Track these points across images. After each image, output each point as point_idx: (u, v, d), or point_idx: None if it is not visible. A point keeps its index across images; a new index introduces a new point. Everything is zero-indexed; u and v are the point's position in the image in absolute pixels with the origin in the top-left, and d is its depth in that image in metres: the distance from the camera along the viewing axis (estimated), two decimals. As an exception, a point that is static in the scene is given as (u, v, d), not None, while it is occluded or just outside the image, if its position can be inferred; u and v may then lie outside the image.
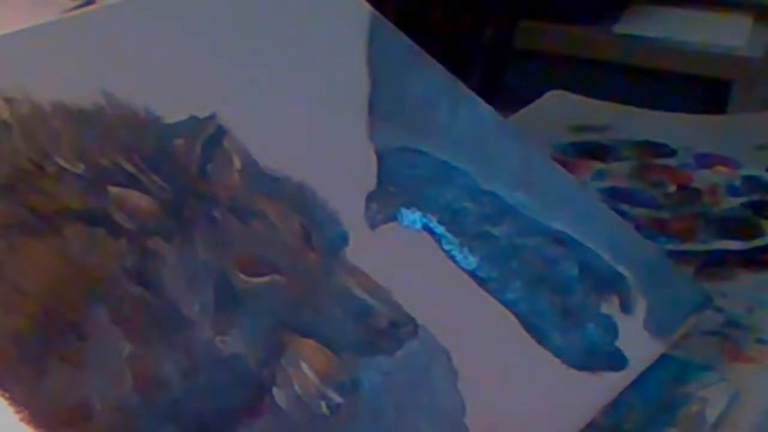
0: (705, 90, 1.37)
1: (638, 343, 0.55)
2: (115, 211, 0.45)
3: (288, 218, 0.49)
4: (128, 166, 0.46)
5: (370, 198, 0.53)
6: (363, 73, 0.57)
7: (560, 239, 0.57)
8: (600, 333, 0.55)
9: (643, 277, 0.58)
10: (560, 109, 0.93)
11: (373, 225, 0.52)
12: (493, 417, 0.48)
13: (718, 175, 0.79)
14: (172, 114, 0.49)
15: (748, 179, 0.78)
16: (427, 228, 0.53)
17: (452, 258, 0.53)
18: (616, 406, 0.53)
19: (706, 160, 0.81)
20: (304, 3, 0.59)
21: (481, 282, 0.53)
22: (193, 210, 0.47)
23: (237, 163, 0.49)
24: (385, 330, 0.48)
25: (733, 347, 0.60)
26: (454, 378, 0.48)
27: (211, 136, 0.50)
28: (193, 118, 0.50)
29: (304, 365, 0.45)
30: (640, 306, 0.57)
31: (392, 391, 0.46)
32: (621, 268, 0.58)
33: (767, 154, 0.83)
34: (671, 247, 0.69)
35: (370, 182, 0.53)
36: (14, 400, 0.39)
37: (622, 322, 0.55)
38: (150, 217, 0.45)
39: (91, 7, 0.55)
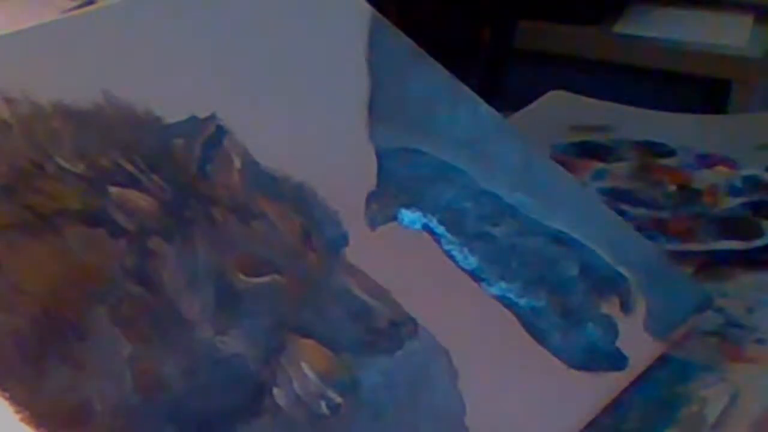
0: (705, 90, 1.37)
1: (638, 343, 0.55)
2: (115, 211, 0.45)
3: (288, 218, 0.49)
4: (128, 166, 0.46)
5: (370, 198, 0.53)
6: (363, 73, 0.57)
7: (560, 239, 0.57)
8: (600, 333, 0.55)
9: (643, 277, 0.58)
10: (560, 109, 0.93)
11: (373, 225, 0.52)
12: (493, 417, 0.48)
13: (718, 175, 0.79)
14: (172, 114, 0.49)
15: (748, 179, 0.78)
16: (427, 228, 0.53)
17: (452, 258, 0.53)
18: (616, 406, 0.53)
19: (706, 160, 0.81)
20: (304, 3, 0.59)
21: (481, 282, 0.53)
22: (193, 210, 0.47)
23: (237, 163, 0.49)
24: (385, 330, 0.48)
25: (733, 347, 0.60)
26: (454, 378, 0.48)
27: (211, 136, 0.50)
28: (193, 118, 0.50)
29: (304, 365, 0.45)
30: (640, 306, 0.57)
31: (392, 391, 0.46)
32: (621, 268, 0.58)
33: (767, 154, 0.83)
34: (671, 247, 0.69)
35: (370, 182, 0.53)
36: (14, 400, 0.39)
37: (622, 322, 0.55)
38: (150, 217, 0.45)
39: (91, 7, 0.55)
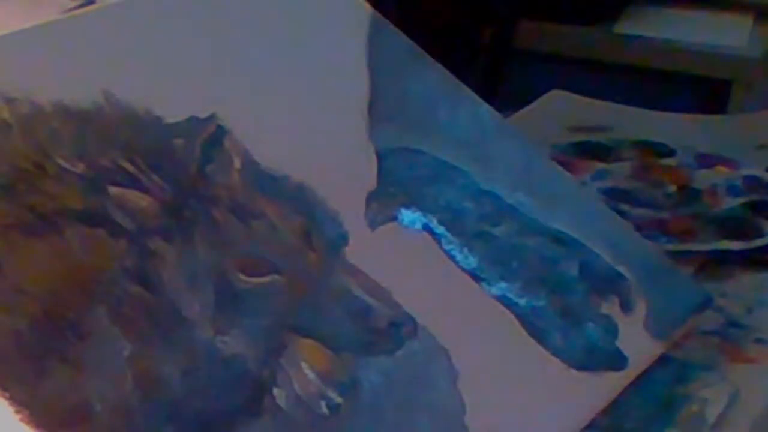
0: (705, 90, 1.37)
1: (638, 343, 0.55)
2: (115, 211, 0.45)
3: (288, 218, 0.49)
4: (128, 166, 0.46)
5: (370, 198, 0.53)
6: (363, 73, 0.57)
7: (560, 239, 0.57)
8: (600, 333, 0.55)
9: (643, 277, 0.58)
10: (560, 109, 0.93)
11: (373, 225, 0.52)
12: (493, 417, 0.48)
13: (718, 175, 0.79)
14: (172, 114, 0.49)
15: (748, 179, 0.78)
16: (427, 228, 0.53)
17: (452, 258, 0.53)
18: (616, 406, 0.53)
19: (706, 160, 0.81)
20: (304, 3, 0.59)
21: (481, 282, 0.53)
22: (193, 210, 0.47)
23: (237, 163, 0.49)
24: (385, 330, 0.48)
25: (733, 347, 0.60)
26: (454, 378, 0.48)
27: (211, 136, 0.50)
28: (193, 118, 0.50)
29: (304, 365, 0.45)
30: (640, 306, 0.57)
31: (392, 391, 0.46)
32: (621, 268, 0.58)
33: (767, 154, 0.83)
34: (671, 247, 0.69)
35: (370, 182, 0.53)
36: (14, 400, 0.39)
37: (622, 322, 0.55)
38: (150, 217, 0.45)
39: (91, 7, 0.55)
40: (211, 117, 0.50)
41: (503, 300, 0.53)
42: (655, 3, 1.45)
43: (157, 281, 0.44)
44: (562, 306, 0.54)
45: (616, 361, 0.54)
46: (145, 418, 0.41)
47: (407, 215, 0.53)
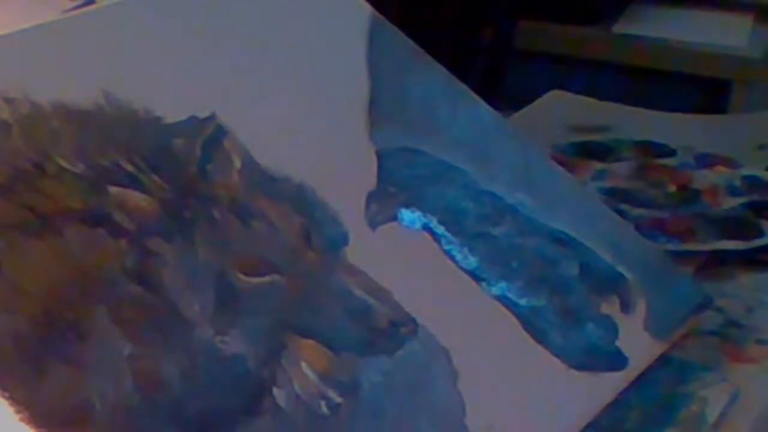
0: (705, 90, 1.37)
1: (638, 343, 0.55)
2: (115, 211, 0.45)
3: (288, 218, 0.49)
4: (128, 166, 0.46)
5: (370, 198, 0.53)
6: (363, 73, 0.57)
7: (560, 239, 0.57)
8: (600, 333, 0.55)
9: (643, 277, 0.58)
10: (560, 109, 0.93)
11: (373, 225, 0.52)
12: (493, 417, 0.48)
13: (718, 175, 0.79)
14: (172, 114, 0.49)
15: (748, 179, 0.78)
16: (427, 228, 0.53)
17: (452, 258, 0.53)
18: (616, 406, 0.53)
19: (706, 160, 0.81)
20: (304, 3, 0.59)
21: (481, 282, 0.53)
22: (193, 210, 0.47)
23: (237, 163, 0.49)
24: (385, 330, 0.48)
25: (733, 347, 0.60)
26: (454, 378, 0.48)
27: (211, 136, 0.50)
28: (193, 118, 0.50)
29: (304, 365, 0.45)
30: (640, 306, 0.57)
31: (392, 391, 0.46)
32: (621, 268, 0.58)
33: (767, 154, 0.83)
34: (671, 247, 0.69)
35: (370, 182, 0.53)
36: (14, 400, 0.39)
37: (622, 322, 0.55)
38: (150, 217, 0.45)
39: (91, 7, 0.55)
40: (211, 117, 0.50)
41: (503, 300, 0.53)
42: (655, 3, 1.45)
43: (157, 281, 0.44)
44: (562, 306, 0.54)
45: (616, 361, 0.54)
46: (145, 418, 0.41)
47: (407, 215, 0.53)
